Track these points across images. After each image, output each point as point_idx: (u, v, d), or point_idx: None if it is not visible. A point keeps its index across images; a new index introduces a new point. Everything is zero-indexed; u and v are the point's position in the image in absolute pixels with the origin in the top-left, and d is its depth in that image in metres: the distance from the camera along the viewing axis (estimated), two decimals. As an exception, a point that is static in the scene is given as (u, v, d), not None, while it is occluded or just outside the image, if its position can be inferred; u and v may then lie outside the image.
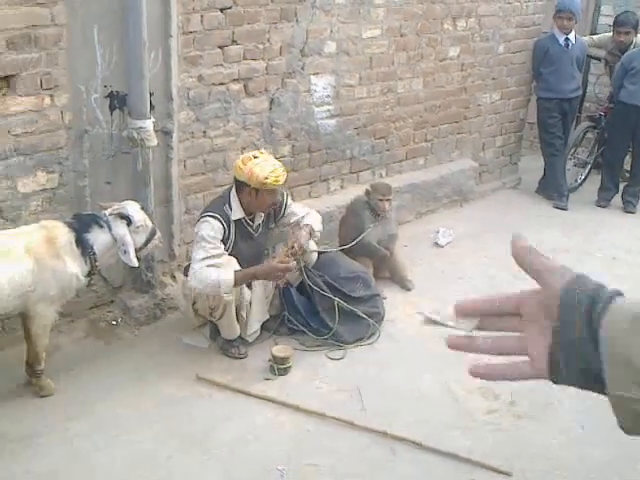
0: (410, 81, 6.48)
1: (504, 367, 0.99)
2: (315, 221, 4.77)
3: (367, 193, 5.48)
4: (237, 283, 4.41)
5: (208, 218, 4.45)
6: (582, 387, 0.92)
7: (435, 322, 1.02)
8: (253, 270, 4.48)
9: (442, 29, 6.56)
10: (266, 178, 4.39)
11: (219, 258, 4.38)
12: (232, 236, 4.54)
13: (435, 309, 1.03)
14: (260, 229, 4.70)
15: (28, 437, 3.78)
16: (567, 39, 7.36)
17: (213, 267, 4.33)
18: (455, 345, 1.01)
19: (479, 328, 1.00)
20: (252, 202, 4.53)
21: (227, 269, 4.37)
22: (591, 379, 0.89)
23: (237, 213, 4.56)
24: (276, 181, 4.42)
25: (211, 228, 4.41)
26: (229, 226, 4.51)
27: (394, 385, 4.46)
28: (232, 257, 4.46)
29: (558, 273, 0.93)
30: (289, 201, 4.83)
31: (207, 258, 4.33)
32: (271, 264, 4.50)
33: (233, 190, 4.58)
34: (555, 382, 0.93)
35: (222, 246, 4.44)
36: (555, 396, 4.43)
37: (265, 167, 4.42)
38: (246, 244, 4.63)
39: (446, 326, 1.00)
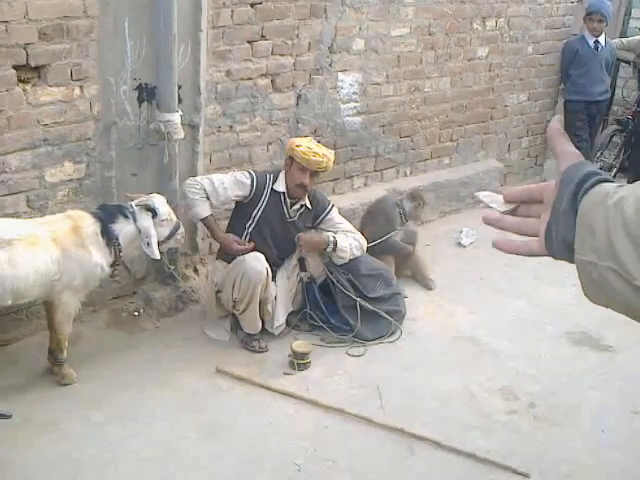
0: (437, 80, 6.47)
1: (519, 243, 1.10)
2: (345, 238, 4.78)
3: (412, 198, 5.53)
4: (204, 223, 4.67)
5: (246, 172, 4.71)
6: (569, 259, 1.01)
7: (487, 205, 1.16)
8: (218, 231, 4.70)
9: (471, 29, 6.54)
10: (298, 146, 4.52)
11: (213, 196, 4.58)
12: (263, 203, 4.65)
13: (486, 194, 1.18)
14: (296, 217, 4.73)
15: (52, 423, 3.81)
16: (597, 41, 7.31)
17: (199, 193, 4.56)
18: (487, 220, 1.13)
19: (515, 213, 1.13)
20: (287, 175, 4.65)
21: (209, 208, 4.60)
22: (570, 249, 0.98)
23: (280, 186, 4.67)
24: (305, 154, 4.49)
25: (241, 178, 4.62)
26: (263, 192, 4.64)
27: (413, 384, 4.46)
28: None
29: (570, 157, 1.05)
30: (334, 211, 4.89)
31: (212, 184, 4.57)
32: (230, 239, 4.65)
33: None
34: (553, 256, 1.04)
35: (232, 196, 4.62)
36: (575, 399, 4.41)
37: (305, 141, 4.61)
38: (280, 223, 4.70)
39: (491, 208, 1.14)
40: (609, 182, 0.99)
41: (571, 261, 1.00)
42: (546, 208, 1.05)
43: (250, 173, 4.67)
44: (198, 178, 4.64)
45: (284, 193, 4.66)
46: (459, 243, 6.40)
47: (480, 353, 4.84)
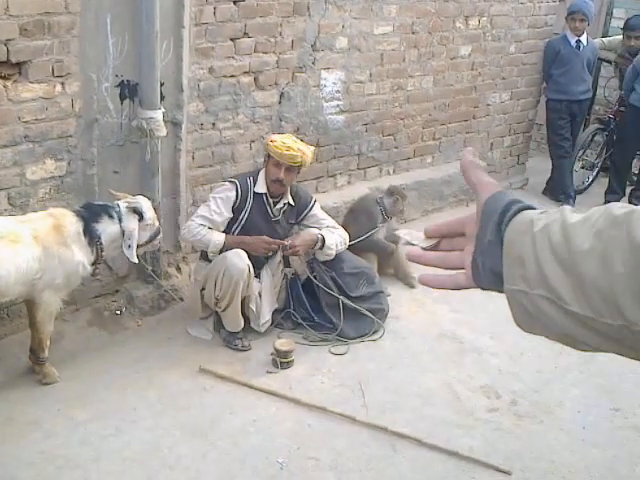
0: (420, 79, 6.48)
1: (444, 277, 1.10)
2: (331, 235, 4.79)
3: (390, 193, 5.53)
4: (226, 246, 4.55)
5: (227, 183, 4.66)
6: (498, 289, 1.00)
7: (408, 242, 1.17)
8: (243, 237, 4.61)
9: (454, 27, 6.56)
10: (273, 141, 4.53)
11: (214, 225, 4.55)
12: (248, 207, 4.63)
13: (407, 232, 1.19)
14: (280, 215, 4.72)
15: (35, 422, 3.79)
16: (579, 41, 7.34)
17: (205, 227, 4.52)
18: (411, 257, 1.14)
19: (437, 248, 1.14)
20: (265, 172, 4.66)
21: (219, 233, 4.56)
22: (499, 279, 0.98)
23: (260, 187, 4.66)
24: (277, 148, 4.49)
25: (225, 193, 4.59)
26: (247, 196, 4.62)
27: (396, 382, 4.47)
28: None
29: (489, 188, 1.04)
30: (316, 207, 4.90)
31: (206, 218, 4.52)
32: (261, 237, 4.60)
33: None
34: (481, 287, 1.03)
35: (228, 215, 4.58)
36: (556, 397, 4.44)
37: (281, 137, 4.62)
38: (265, 224, 4.68)
39: (415, 245, 1.15)
40: (531, 209, 1.00)
41: (500, 291, 1.00)
42: (469, 240, 1.05)
43: (232, 182, 4.64)
44: (189, 222, 4.60)
45: (266, 194, 4.66)
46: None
47: (463, 351, 4.86)
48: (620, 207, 0.89)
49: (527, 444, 4.01)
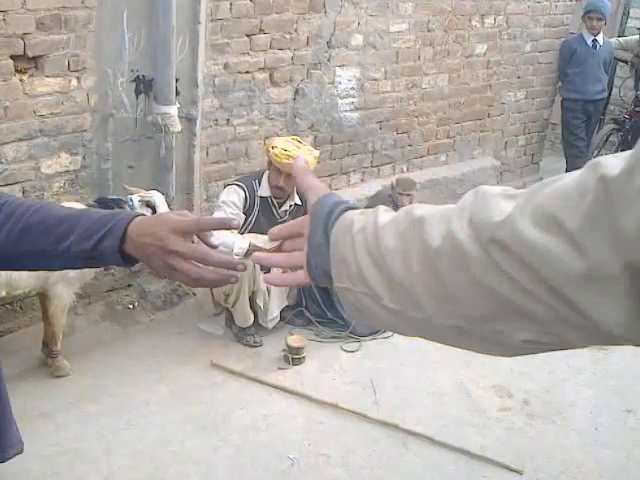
0: (435, 77, 6.46)
1: (286, 276, 1.18)
2: None
3: (392, 187, 5.49)
4: (250, 251, 4.45)
5: (233, 186, 4.60)
6: (330, 286, 1.05)
7: (255, 246, 1.26)
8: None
9: (470, 26, 6.53)
10: (273, 147, 4.47)
11: (238, 210, 4.47)
12: (256, 211, 4.60)
13: (254, 236, 1.28)
14: (287, 216, 4.71)
15: (47, 415, 3.81)
16: (595, 40, 7.31)
17: (228, 231, 4.37)
18: (258, 260, 1.18)
19: (280, 250, 1.19)
20: (268, 175, 4.62)
21: (240, 237, 4.44)
22: (330, 277, 1.03)
23: (264, 190, 4.63)
24: (277, 156, 4.43)
25: (234, 195, 4.53)
26: (254, 200, 4.59)
27: (408, 380, 4.46)
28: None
29: (318, 191, 1.11)
30: None
31: (229, 209, 4.43)
32: None
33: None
34: (317, 284, 1.09)
35: (242, 215, 4.50)
36: (569, 397, 4.42)
37: (282, 141, 4.54)
38: (271, 225, 4.64)
39: (261, 249, 1.20)
40: (354, 209, 1.05)
41: (333, 287, 1.05)
42: (306, 241, 1.10)
43: (239, 185, 4.58)
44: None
45: (270, 197, 4.65)
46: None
47: (472, 353, 4.83)
48: (419, 208, 0.95)
49: (539, 444, 4.00)
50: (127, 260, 1.32)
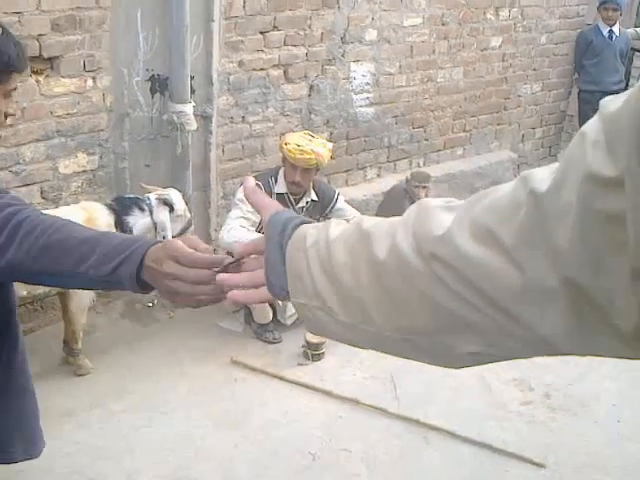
0: (450, 70, 6.44)
1: (251, 292, 1.16)
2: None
3: (407, 180, 5.46)
4: None
5: None
6: (290, 301, 1.05)
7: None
8: None
9: (484, 18, 6.51)
10: (287, 144, 4.47)
11: (253, 224, 4.42)
12: None
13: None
14: (303, 212, 4.70)
15: (69, 413, 3.83)
16: (611, 31, 7.26)
17: (245, 228, 4.40)
18: (221, 279, 1.18)
19: (245, 268, 1.19)
20: (284, 172, 4.61)
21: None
22: (285, 292, 1.04)
23: (280, 187, 4.63)
24: (291, 152, 4.43)
25: None
26: (271, 197, 4.52)
27: (428, 374, 4.43)
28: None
29: (270, 208, 1.12)
30: (340, 200, 4.86)
31: (242, 218, 4.41)
32: None
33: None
34: (279, 298, 1.10)
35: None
36: (591, 390, 4.38)
37: (295, 137, 4.54)
38: None
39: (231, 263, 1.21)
40: (306, 223, 1.06)
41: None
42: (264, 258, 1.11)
43: (255, 183, 4.58)
44: (227, 226, 4.45)
45: (287, 194, 4.65)
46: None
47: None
48: (368, 220, 0.96)
49: (561, 437, 3.98)
50: (143, 286, 1.33)
